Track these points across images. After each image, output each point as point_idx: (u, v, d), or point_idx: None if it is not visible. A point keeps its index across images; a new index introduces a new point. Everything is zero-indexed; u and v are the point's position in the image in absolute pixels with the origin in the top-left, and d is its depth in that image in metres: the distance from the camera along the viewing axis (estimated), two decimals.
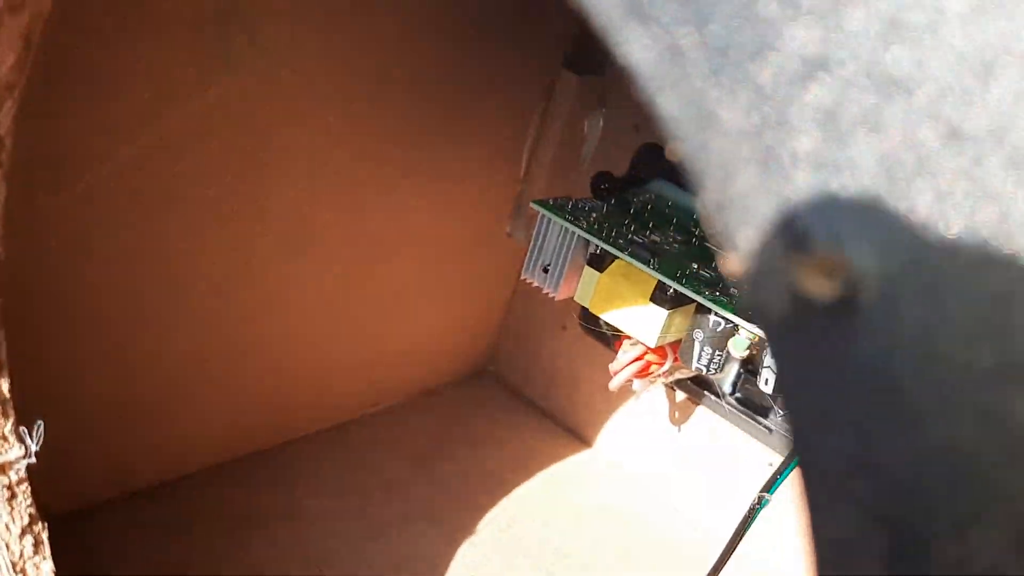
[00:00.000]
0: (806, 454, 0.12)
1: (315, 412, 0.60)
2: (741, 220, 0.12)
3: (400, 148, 0.54)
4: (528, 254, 0.54)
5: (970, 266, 0.11)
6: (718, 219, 0.12)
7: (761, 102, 0.12)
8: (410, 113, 0.53)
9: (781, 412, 0.56)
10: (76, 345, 0.44)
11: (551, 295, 0.54)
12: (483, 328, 0.69)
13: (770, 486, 0.45)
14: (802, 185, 0.12)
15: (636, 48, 0.13)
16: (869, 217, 0.11)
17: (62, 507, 0.46)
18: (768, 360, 0.46)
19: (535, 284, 0.54)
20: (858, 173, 0.11)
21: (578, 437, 0.67)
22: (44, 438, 0.32)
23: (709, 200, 0.12)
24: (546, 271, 0.54)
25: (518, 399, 0.70)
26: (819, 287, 0.12)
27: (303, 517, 0.53)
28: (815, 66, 0.11)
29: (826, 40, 0.11)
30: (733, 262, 0.12)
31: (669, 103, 0.12)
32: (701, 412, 0.61)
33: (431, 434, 0.64)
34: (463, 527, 0.57)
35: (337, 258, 0.54)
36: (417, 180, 0.56)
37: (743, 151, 0.12)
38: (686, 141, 0.12)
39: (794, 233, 0.12)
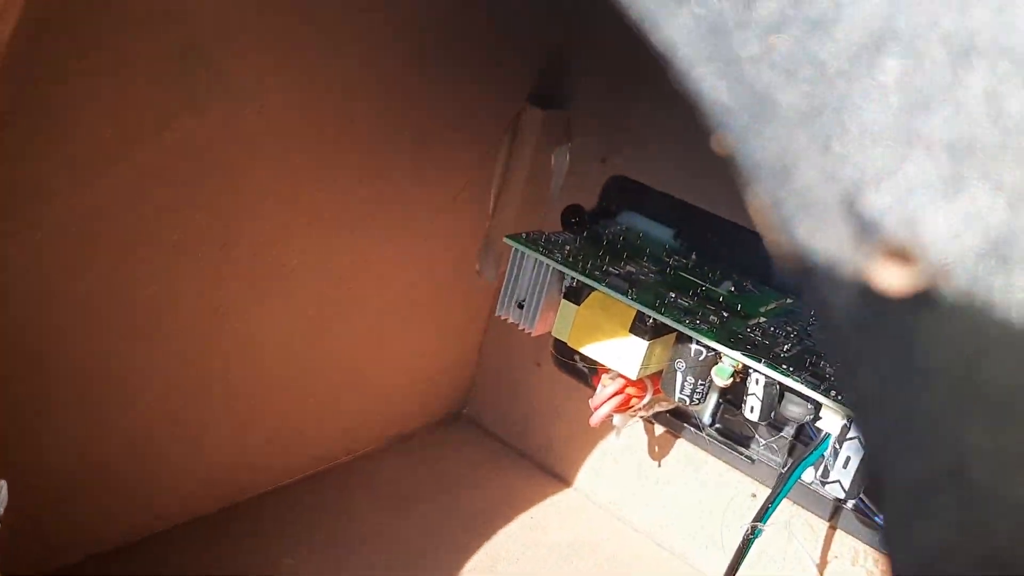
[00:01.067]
0: (886, 468, 0.11)
1: (288, 462, 0.58)
2: (802, 212, 0.11)
3: (367, 187, 0.53)
4: (502, 290, 0.53)
5: None
6: (774, 214, 0.11)
7: (823, 80, 0.11)
8: (377, 151, 0.52)
9: (763, 441, 0.55)
10: (39, 399, 0.42)
11: (527, 331, 0.53)
12: (456, 369, 0.68)
13: (762, 515, 0.44)
14: (871, 168, 0.11)
15: (676, 29, 0.12)
16: (948, 197, 0.10)
17: (29, 572, 0.43)
18: (753, 387, 0.46)
19: (510, 321, 0.53)
20: (934, 150, 0.11)
21: (557, 476, 0.66)
22: (8, 501, 0.30)
23: (764, 194, 0.12)
24: (521, 307, 0.53)
25: (495, 440, 0.69)
26: (894, 278, 0.11)
27: (281, 573, 0.51)
28: (884, 37, 0.11)
29: (896, 6, 0.11)
30: (793, 259, 0.12)
31: (717, 88, 0.11)
32: (681, 445, 0.60)
33: (407, 480, 0.62)
34: (446, 573, 0.55)
35: (307, 302, 0.53)
36: (385, 219, 0.55)
37: (803, 136, 0.11)
38: (737, 130, 0.11)
39: (863, 220, 0.11)
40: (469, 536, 0.58)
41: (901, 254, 0.11)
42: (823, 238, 0.11)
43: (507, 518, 0.61)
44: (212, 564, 0.50)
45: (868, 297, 0.11)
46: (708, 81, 0.12)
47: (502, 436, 0.69)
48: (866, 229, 0.11)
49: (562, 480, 0.66)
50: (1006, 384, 0.10)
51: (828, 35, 0.11)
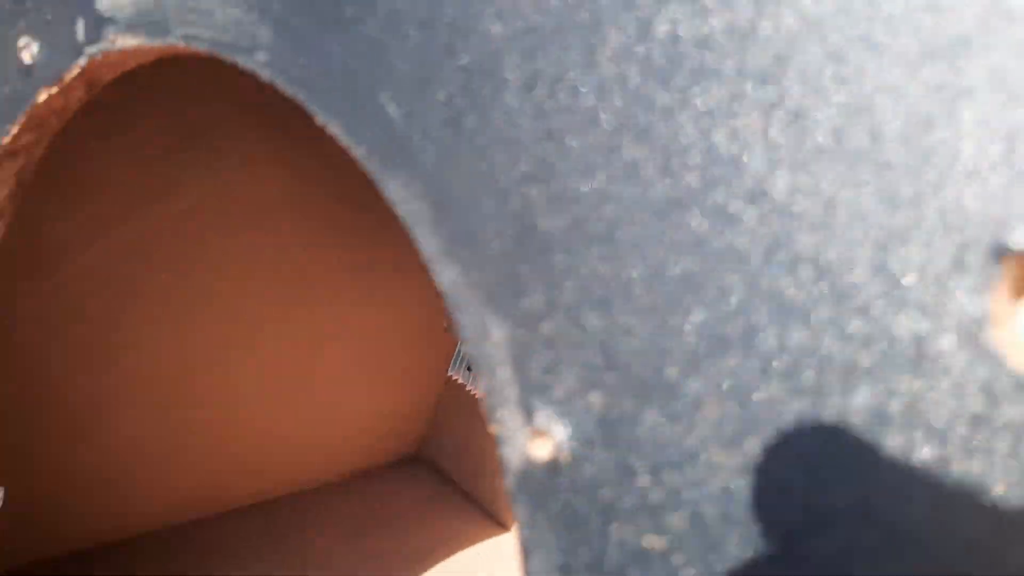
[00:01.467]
0: None
1: (251, 488, 0.65)
2: (498, 402, 0.18)
3: (347, 249, 0.60)
4: (455, 353, 0.60)
5: (630, 441, 0.17)
6: (486, 402, 0.19)
7: (520, 330, 0.18)
8: (360, 221, 0.60)
9: None
10: (34, 422, 0.49)
11: (474, 393, 0.60)
12: (418, 413, 0.75)
13: None
14: (534, 382, 0.18)
15: (446, 280, 0.20)
16: (571, 403, 0.18)
17: (15, 562, 0.50)
18: None
19: (459, 381, 0.60)
20: (565, 376, 0.18)
21: (498, 522, 0.73)
22: (5, 503, 0.38)
23: (482, 387, 0.19)
24: (470, 370, 0.60)
25: (448, 482, 0.76)
26: (538, 449, 0.18)
27: None
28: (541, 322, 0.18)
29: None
30: (497, 428, 0.19)
31: (464, 319, 0.19)
32: None
33: (359, 512, 0.69)
34: None
35: (278, 348, 0.60)
36: (363, 280, 0.62)
37: (504, 355, 0.18)
38: (471, 345, 0.19)
39: (525, 410, 0.18)
40: (409, 571, 0.65)
41: (543, 434, 0.18)
42: (510, 423, 0.18)
43: (447, 556, 0.68)
44: (175, 569, 0.57)
45: (526, 461, 0.18)
46: (459, 313, 0.19)
47: (455, 479, 0.76)
48: (527, 416, 0.18)
49: (502, 526, 0.72)
50: (599, 530, 0.17)
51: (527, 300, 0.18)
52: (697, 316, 0.16)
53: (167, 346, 0.53)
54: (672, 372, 0.17)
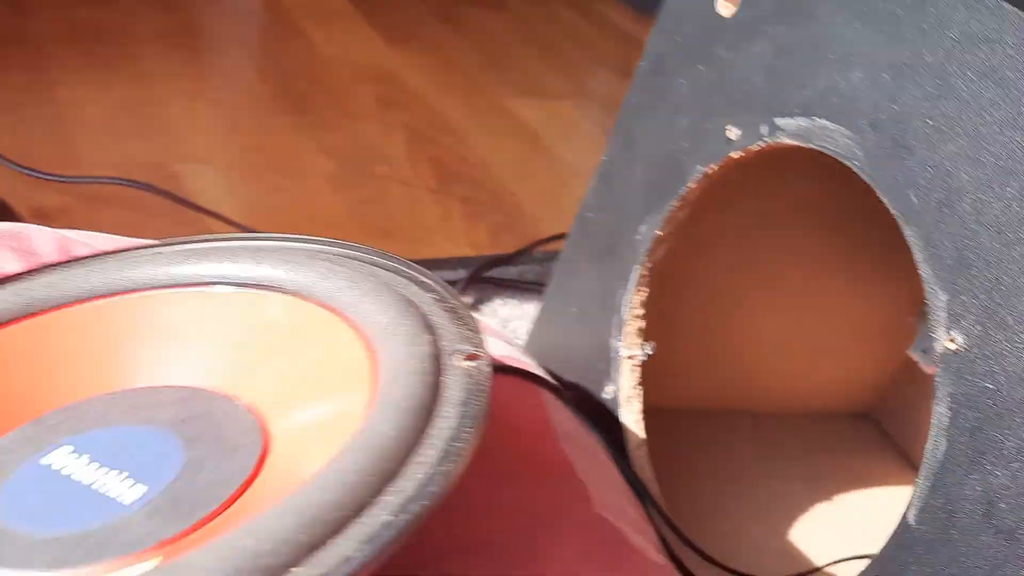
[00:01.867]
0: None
1: (741, 399, 0.95)
2: (937, 326, 0.45)
3: (848, 252, 0.87)
4: (917, 339, 0.84)
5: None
6: (932, 325, 0.45)
7: (951, 298, 0.45)
8: (860, 233, 0.87)
9: None
10: (671, 309, 0.84)
11: (927, 371, 0.83)
12: (872, 380, 1.00)
13: None
14: (952, 317, 0.45)
15: (924, 272, 0.47)
16: (968, 329, 0.44)
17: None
18: None
19: (915, 359, 0.83)
20: (967, 319, 0.44)
21: None
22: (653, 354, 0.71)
23: (932, 319, 0.45)
24: (926, 352, 0.83)
25: (887, 440, 0.99)
26: (946, 343, 0.44)
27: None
28: None
29: None
30: None
31: (929, 291, 0.46)
32: None
33: (808, 441, 0.95)
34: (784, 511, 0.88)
35: (783, 307, 0.89)
36: (853, 273, 0.89)
37: (943, 308, 0.45)
38: (932, 301, 0.45)
39: (947, 330, 0.45)
40: (844, 489, 0.90)
41: (953, 340, 0.44)
42: (941, 334, 0.45)
43: (876, 485, 0.91)
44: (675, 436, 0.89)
45: (944, 349, 0.44)
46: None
47: (895, 438, 0.98)
48: (948, 333, 0.44)
49: None
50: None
51: None
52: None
53: (723, 287, 0.85)
54: (1009, 320, 0.42)
